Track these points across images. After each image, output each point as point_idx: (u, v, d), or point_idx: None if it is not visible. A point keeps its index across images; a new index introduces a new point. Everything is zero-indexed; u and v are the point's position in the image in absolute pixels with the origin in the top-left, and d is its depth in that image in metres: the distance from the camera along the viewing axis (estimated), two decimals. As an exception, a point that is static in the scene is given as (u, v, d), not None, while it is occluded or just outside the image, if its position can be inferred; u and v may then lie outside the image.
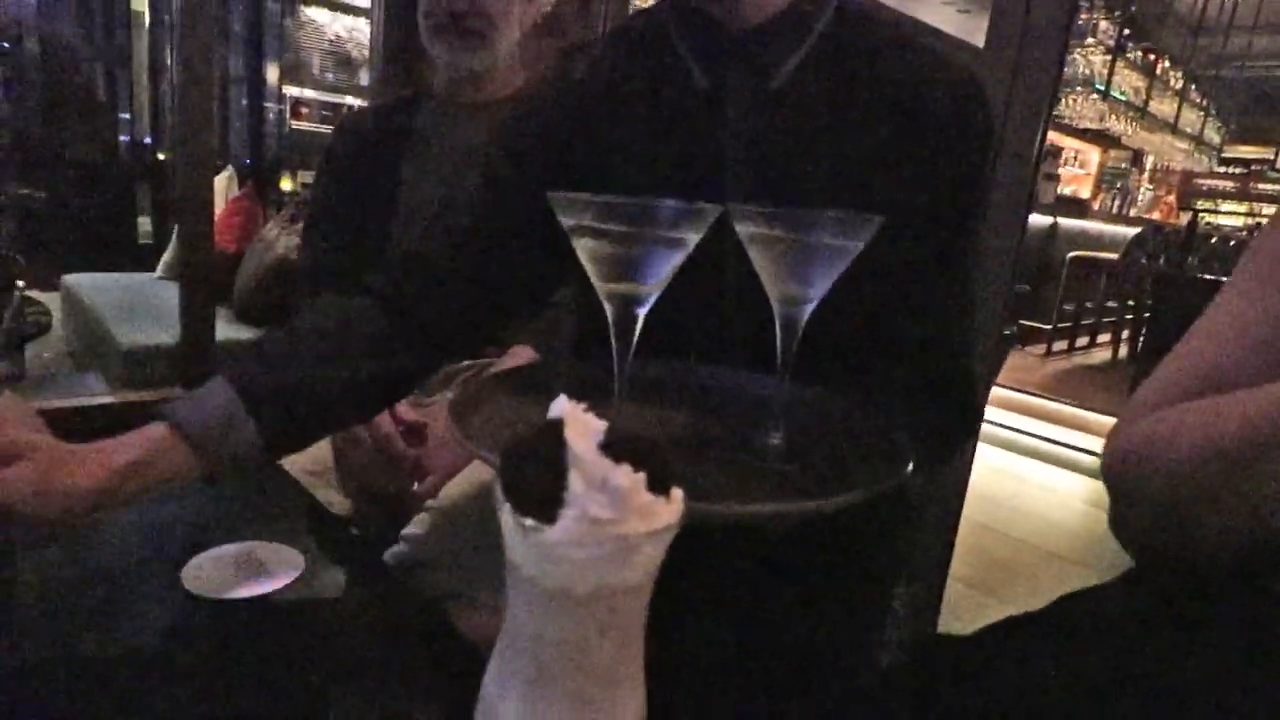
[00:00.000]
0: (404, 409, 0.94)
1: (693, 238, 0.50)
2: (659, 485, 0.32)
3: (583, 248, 0.51)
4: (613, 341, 0.53)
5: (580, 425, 0.32)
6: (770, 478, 0.57)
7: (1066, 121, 7.42)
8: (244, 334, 2.51)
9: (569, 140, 0.76)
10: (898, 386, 0.73)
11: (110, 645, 0.57)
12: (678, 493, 0.33)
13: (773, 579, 0.75)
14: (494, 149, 0.80)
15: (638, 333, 0.53)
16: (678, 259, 0.51)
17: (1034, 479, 3.33)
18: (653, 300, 0.52)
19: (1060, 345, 5.73)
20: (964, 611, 2.02)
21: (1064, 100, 7.00)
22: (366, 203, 1.11)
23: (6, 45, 3.91)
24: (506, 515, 0.31)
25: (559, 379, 0.71)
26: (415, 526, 0.85)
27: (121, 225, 4.36)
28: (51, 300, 3.06)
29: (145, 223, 4.49)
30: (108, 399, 2.41)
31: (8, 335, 1.36)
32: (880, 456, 0.57)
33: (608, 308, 0.52)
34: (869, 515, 0.56)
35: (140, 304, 2.74)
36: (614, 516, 0.30)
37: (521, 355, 1.02)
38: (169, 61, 4.05)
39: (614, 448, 0.31)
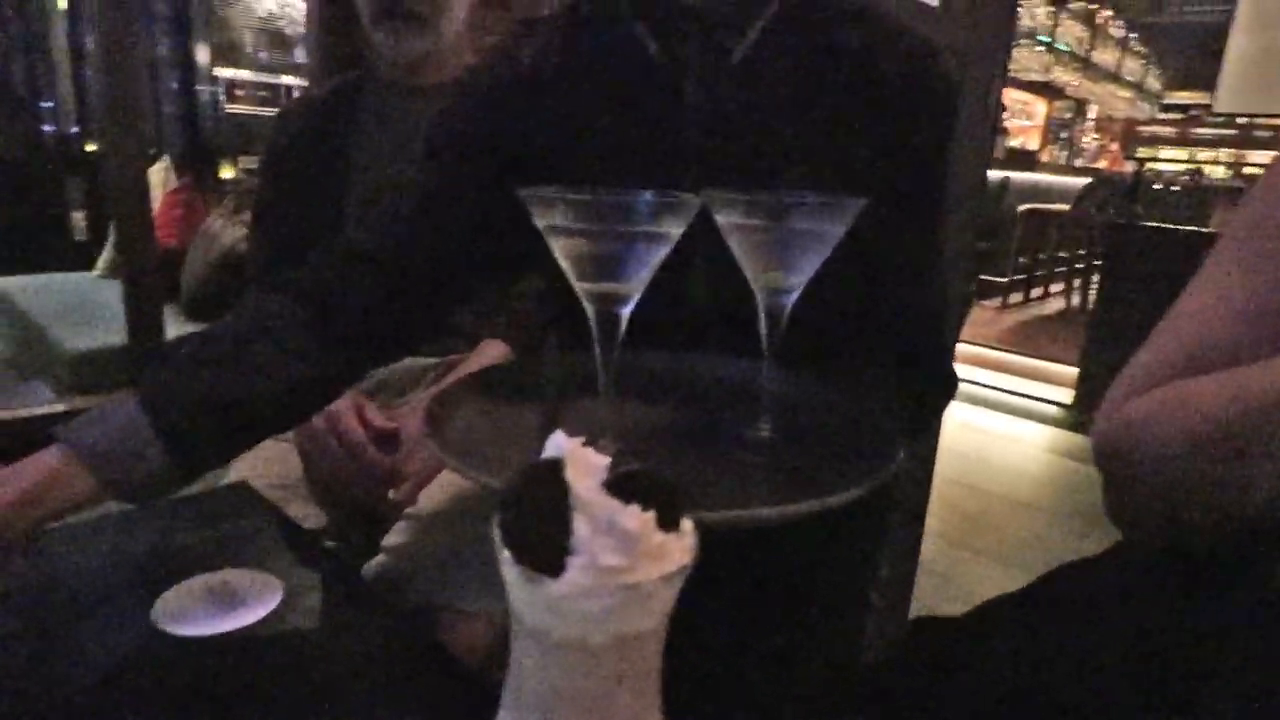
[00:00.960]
0: (374, 415, 0.90)
1: (675, 231, 0.48)
2: (669, 521, 0.30)
3: (558, 246, 0.48)
4: (596, 343, 0.51)
5: (582, 464, 0.29)
6: (761, 473, 0.55)
7: (1012, 74, 7.50)
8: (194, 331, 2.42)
9: (519, 125, 0.72)
10: (877, 360, 0.72)
11: (77, 695, 0.53)
12: (688, 524, 0.31)
13: (758, 556, 0.74)
14: (437, 132, 0.76)
15: (621, 333, 0.51)
16: (660, 254, 0.48)
17: (997, 430, 3.40)
18: (636, 299, 0.50)
19: (1016, 298, 5.83)
20: (939, 566, 2.05)
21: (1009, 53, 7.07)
22: (316, 197, 1.06)
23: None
24: (508, 566, 0.28)
25: (538, 378, 0.68)
26: (395, 536, 0.82)
27: (53, 223, 4.16)
28: (-17, 306, 2.91)
29: (79, 218, 4.28)
30: (58, 406, 2.32)
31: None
32: (870, 445, 0.55)
33: (589, 308, 0.50)
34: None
35: (82, 306, 2.63)
36: (624, 563, 0.28)
37: (492, 351, 0.98)
38: (89, 46, 3.84)
39: (620, 486, 0.29)
